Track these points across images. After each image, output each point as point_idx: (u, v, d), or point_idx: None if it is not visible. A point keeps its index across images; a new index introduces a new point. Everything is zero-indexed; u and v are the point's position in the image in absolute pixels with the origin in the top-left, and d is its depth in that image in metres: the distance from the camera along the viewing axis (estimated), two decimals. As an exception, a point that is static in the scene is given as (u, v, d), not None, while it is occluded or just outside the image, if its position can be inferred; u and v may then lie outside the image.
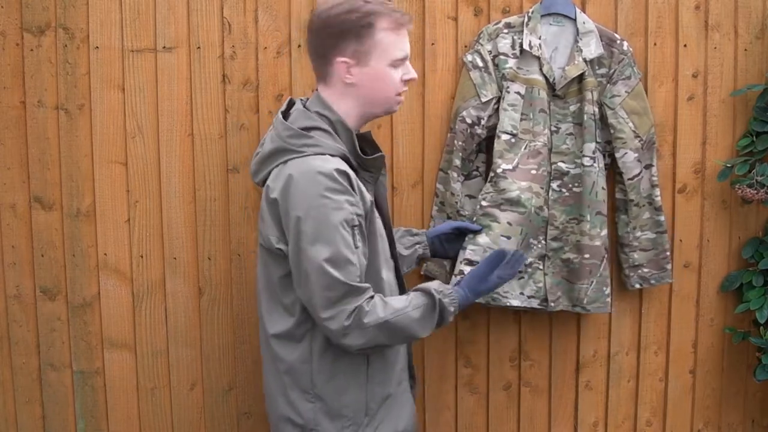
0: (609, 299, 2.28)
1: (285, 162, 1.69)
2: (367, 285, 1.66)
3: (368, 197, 1.72)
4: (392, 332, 1.67)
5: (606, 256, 2.27)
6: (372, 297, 1.67)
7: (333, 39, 1.72)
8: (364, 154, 1.81)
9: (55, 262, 2.29)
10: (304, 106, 1.78)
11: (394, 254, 1.89)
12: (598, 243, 2.25)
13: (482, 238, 2.21)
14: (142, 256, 2.30)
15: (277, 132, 1.74)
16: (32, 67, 2.22)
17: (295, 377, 1.75)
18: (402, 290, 1.90)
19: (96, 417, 2.35)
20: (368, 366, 1.76)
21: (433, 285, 1.77)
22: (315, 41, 1.76)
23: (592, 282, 2.26)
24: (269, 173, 1.73)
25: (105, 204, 2.27)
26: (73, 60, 2.22)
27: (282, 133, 1.73)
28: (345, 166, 1.68)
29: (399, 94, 1.79)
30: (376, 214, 1.77)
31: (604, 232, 2.26)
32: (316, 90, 1.81)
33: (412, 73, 1.79)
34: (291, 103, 1.83)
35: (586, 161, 2.24)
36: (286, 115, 1.79)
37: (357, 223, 1.66)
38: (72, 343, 2.32)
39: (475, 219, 2.23)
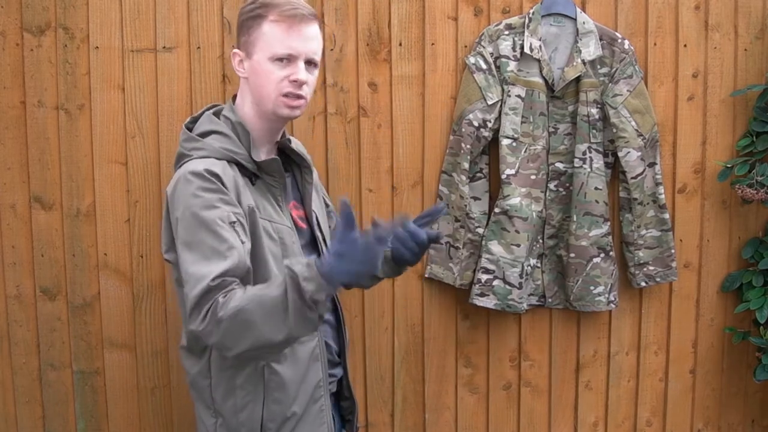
0: (600, 299, 2.30)
1: (180, 166, 1.68)
2: (234, 279, 1.51)
3: (247, 203, 1.62)
4: (251, 321, 1.46)
5: (596, 256, 2.28)
6: (232, 289, 1.50)
7: (236, 32, 1.71)
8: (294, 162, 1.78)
9: (55, 262, 2.29)
10: (216, 111, 1.76)
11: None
12: (583, 243, 2.27)
13: (495, 248, 2.26)
14: (142, 256, 2.29)
15: (180, 138, 1.74)
16: (32, 67, 2.22)
17: (197, 391, 1.72)
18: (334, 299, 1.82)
19: (96, 417, 2.35)
20: (265, 383, 1.66)
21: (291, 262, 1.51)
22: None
23: (578, 281, 2.29)
24: None
25: (105, 204, 2.27)
26: (73, 60, 2.22)
27: (181, 138, 1.72)
28: (220, 168, 1.60)
29: (285, 96, 1.64)
30: (261, 223, 1.63)
31: (595, 232, 2.27)
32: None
33: (295, 74, 1.63)
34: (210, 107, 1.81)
35: (576, 162, 2.26)
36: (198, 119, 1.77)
37: (235, 219, 1.56)
38: (72, 343, 2.32)
39: (488, 226, 2.29)
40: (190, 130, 1.73)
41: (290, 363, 1.67)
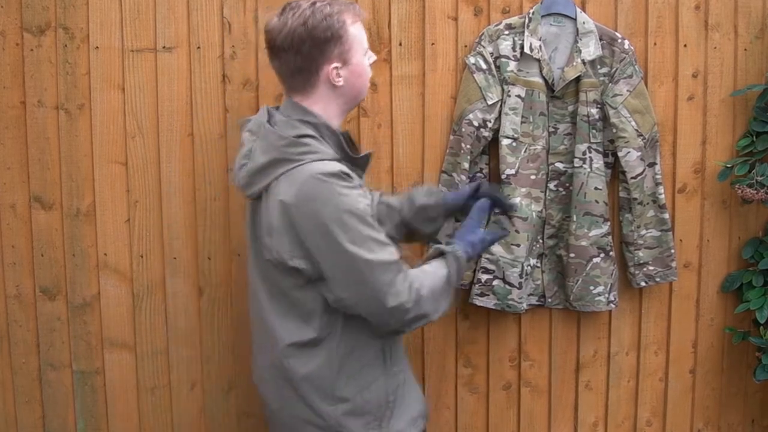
0: (600, 298, 2.30)
1: (286, 173, 1.66)
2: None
3: (368, 195, 1.76)
4: (438, 295, 1.72)
5: (596, 256, 2.28)
6: (407, 270, 1.70)
7: (318, 50, 1.69)
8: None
9: (55, 262, 2.29)
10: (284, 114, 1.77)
11: None
12: (583, 243, 2.27)
13: (495, 247, 2.26)
14: (142, 256, 2.29)
15: (270, 142, 1.70)
16: (32, 67, 2.22)
17: (314, 383, 1.74)
18: None
19: (96, 417, 2.35)
20: (384, 358, 1.78)
21: (438, 246, 1.82)
22: (295, 58, 1.70)
23: (578, 280, 2.29)
24: (267, 185, 1.69)
25: (105, 204, 2.27)
26: (73, 60, 2.22)
27: (276, 142, 1.69)
28: (346, 167, 1.70)
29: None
30: None
31: (595, 232, 2.27)
32: (288, 98, 1.77)
33: (374, 56, 1.82)
34: (269, 112, 1.80)
35: (576, 162, 2.26)
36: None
37: (372, 213, 1.70)
38: (72, 343, 2.32)
39: (487, 226, 2.27)
40: None
41: (400, 337, 1.84)
